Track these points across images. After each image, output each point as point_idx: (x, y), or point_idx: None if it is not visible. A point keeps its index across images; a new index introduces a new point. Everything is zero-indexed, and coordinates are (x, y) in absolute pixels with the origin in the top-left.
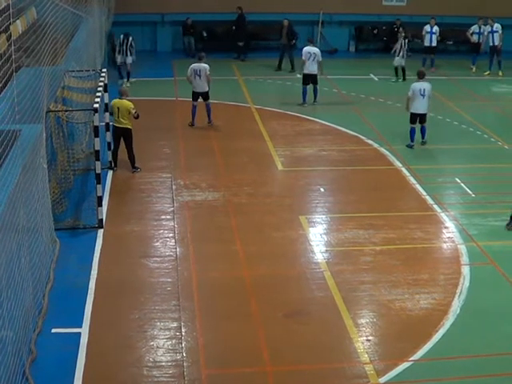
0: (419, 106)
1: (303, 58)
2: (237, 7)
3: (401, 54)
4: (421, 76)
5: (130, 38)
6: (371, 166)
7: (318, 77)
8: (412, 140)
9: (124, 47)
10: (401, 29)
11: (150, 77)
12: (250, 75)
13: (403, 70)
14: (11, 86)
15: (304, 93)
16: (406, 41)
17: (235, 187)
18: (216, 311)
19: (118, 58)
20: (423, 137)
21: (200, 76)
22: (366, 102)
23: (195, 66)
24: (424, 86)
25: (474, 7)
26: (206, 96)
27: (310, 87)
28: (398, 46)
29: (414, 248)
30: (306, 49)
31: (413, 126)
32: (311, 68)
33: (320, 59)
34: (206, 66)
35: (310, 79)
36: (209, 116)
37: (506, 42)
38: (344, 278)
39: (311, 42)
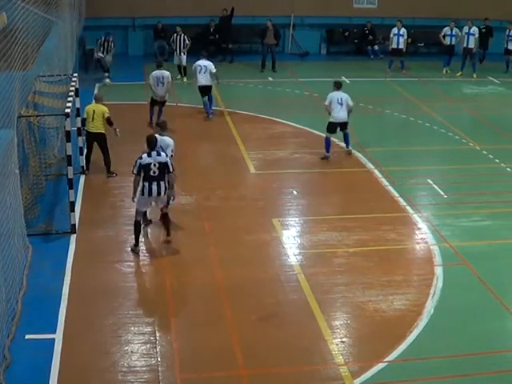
0: (338, 115)
1: (194, 71)
2: (223, 9)
3: (182, 51)
4: (337, 86)
5: (110, 39)
6: (344, 168)
7: (213, 87)
8: (327, 151)
9: (104, 46)
10: (177, 28)
11: (122, 81)
12: (221, 78)
13: (179, 67)
14: None
15: (205, 104)
16: (186, 37)
17: (207, 191)
18: (190, 315)
19: (98, 54)
20: (347, 145)
21: (163, 84)
22: None
23: (157, 73)
24: (341, 95)
25: (444, 10)
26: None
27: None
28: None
29: (388, 249)
30: (198, 62)
31: (329, 135)
32: (203, 81)
33: (214, 70)
34: (168, 73)
35: (205, 91)
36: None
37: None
38: (318, 280)
39: (204, 56)
